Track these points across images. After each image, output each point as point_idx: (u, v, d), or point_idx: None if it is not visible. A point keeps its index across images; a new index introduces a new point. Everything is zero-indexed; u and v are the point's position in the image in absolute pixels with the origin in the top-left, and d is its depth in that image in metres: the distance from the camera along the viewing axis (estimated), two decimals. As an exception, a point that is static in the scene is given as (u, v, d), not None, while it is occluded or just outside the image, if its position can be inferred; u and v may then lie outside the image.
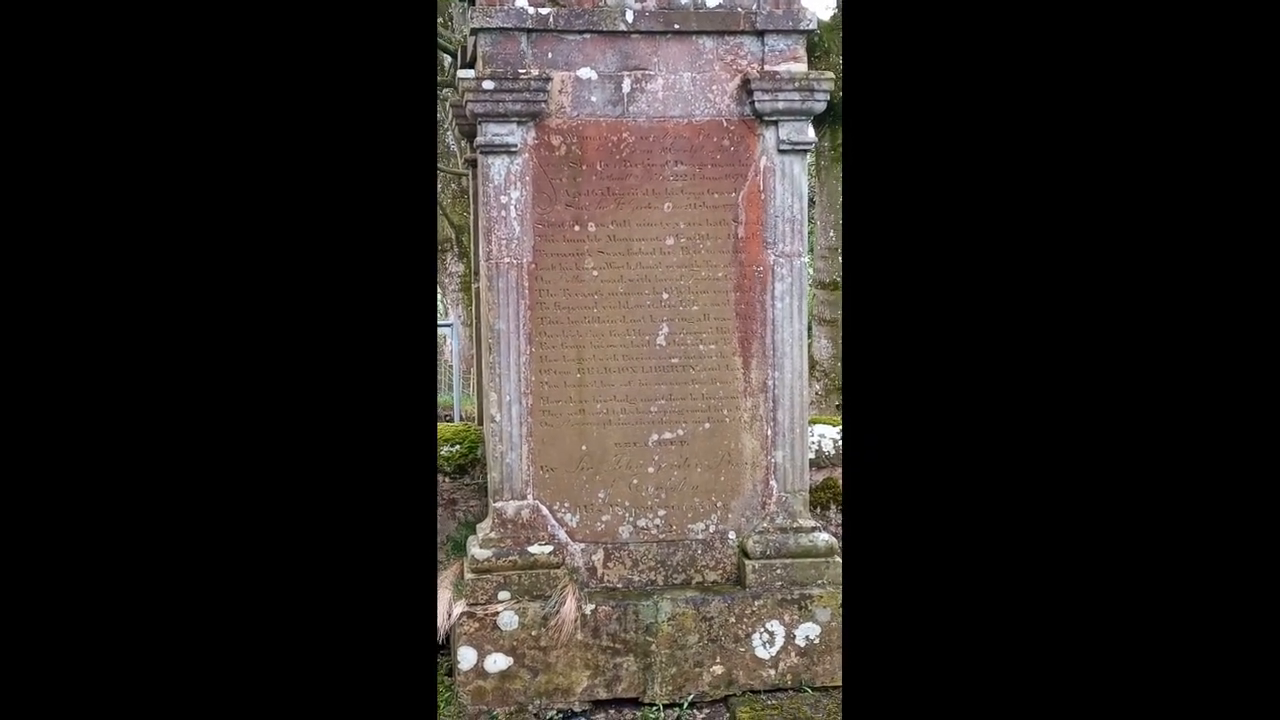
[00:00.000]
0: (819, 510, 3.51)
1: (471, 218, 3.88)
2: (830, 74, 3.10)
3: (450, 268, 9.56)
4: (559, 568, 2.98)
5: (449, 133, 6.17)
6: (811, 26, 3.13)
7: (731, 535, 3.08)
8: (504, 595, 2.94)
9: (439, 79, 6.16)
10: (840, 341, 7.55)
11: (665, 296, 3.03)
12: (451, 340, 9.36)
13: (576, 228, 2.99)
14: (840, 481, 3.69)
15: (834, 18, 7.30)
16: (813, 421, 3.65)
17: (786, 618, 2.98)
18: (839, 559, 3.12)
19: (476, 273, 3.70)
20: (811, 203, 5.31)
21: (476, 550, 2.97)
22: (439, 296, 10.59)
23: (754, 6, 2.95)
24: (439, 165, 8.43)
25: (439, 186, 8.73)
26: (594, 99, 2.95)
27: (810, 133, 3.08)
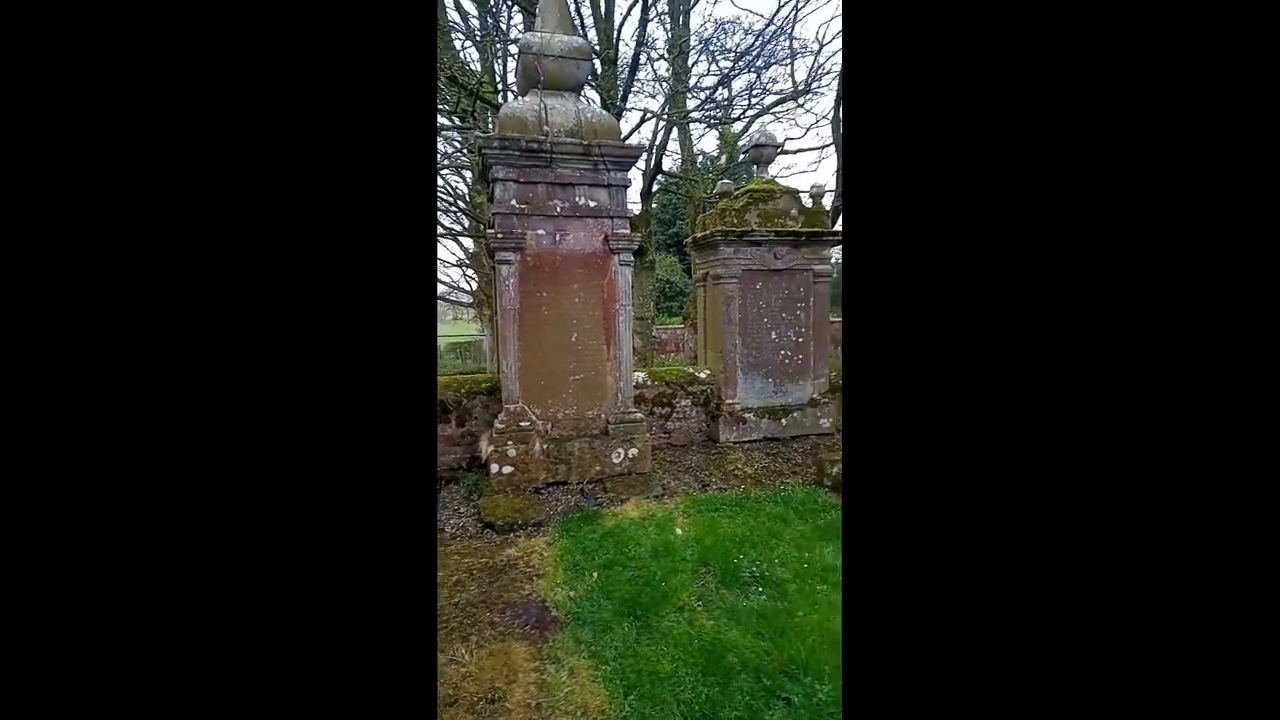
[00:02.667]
0: (636, 405, 4.56)
1: (494, 289, 4.62)
2: (639, 234, 4.28)
3: (485, 311, 13.35)
4: (532, 430, 4.00)
5: (483, 254, 7.92)
6: (631, 215, 4.39)
7: (602, 415, 4.24)
8: (509, 442, 3.95)
9: (482, 242, 7.92)
10: (644, 341, 8.87)
11: (575, 322, 4.11)
12: (485, 339, 13.95)
13: (538, 294, 4.01)
14: (643, 393, 4.91)
15: (642, 211, 8.62)
16: (635, 371, 4.84)
17: (623, 447, 4.22)
18: (644, 423, 4.33)
19: (494, 313, 4.64)
20: (631, 289, 7.53)
21: (498, 424, 3.99)
22: (480, 325, 14.95)
23: (609, 207, 4.11)
24: (480, 266, 11.58)
25: (481, 276, 12.04)
26: (544, 242, 4.00)
27: (632, 258, 4.25)
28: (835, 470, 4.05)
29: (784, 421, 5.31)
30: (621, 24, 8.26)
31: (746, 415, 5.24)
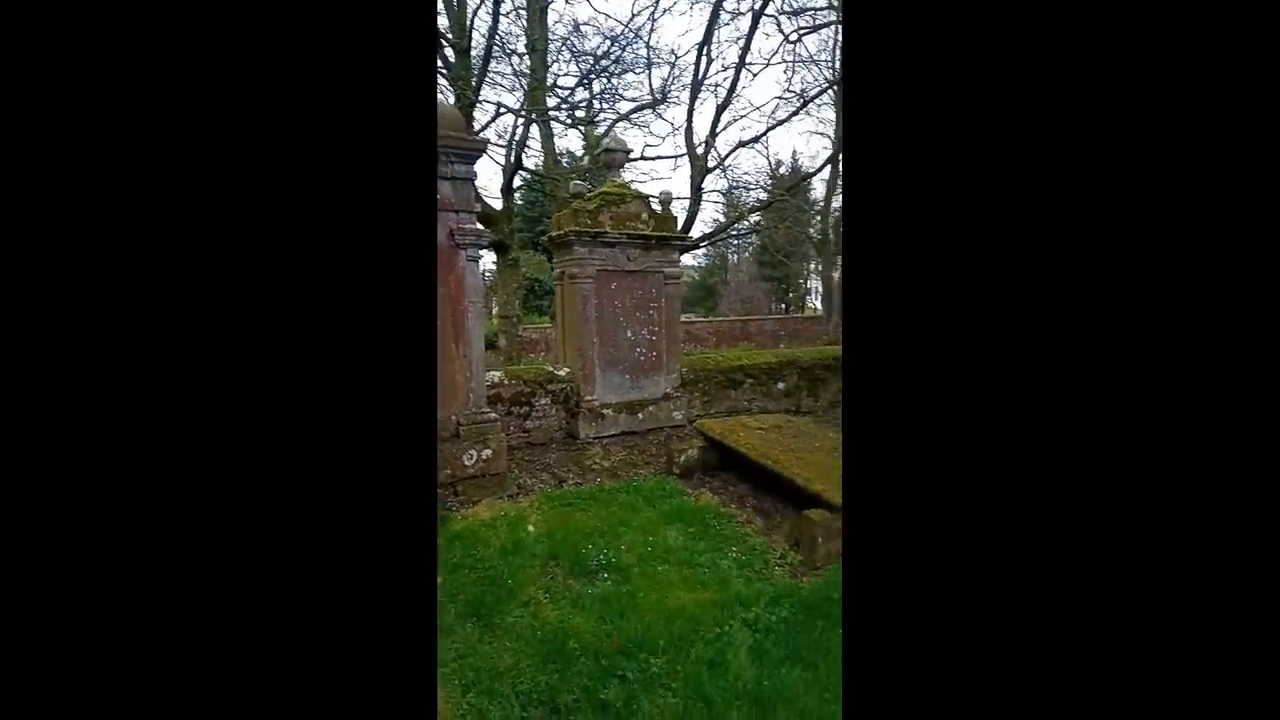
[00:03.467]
0: (492, 405, 4.52)
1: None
2: (490, 232, 4.45)
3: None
4: (375, 437, 4.06)
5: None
6: (478, 210, 4.48)
7: (454, 417, 4.05)
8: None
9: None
10: (510, 340, 8.67)
11: (421, 319, 4.27)
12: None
13: (378, 290, 4.06)
14: (499, 392, 4.83)
15: (504, 207, 8.45)
16: (491, 371, 4.76)
17: (476, 448, 4.06)
18: (499, 424, 4.25)
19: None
20: (495, 287, 7.09)
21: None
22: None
23: (453, 201, 3.92)
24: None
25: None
26: (384, 235, 4.09)
27: (481, 254, 4.09)
28: (683, 459, 4.32)
29: (640, 416, 5.53)
30: (475, 13, 8.00)
31: (605, 411, 5.38)
